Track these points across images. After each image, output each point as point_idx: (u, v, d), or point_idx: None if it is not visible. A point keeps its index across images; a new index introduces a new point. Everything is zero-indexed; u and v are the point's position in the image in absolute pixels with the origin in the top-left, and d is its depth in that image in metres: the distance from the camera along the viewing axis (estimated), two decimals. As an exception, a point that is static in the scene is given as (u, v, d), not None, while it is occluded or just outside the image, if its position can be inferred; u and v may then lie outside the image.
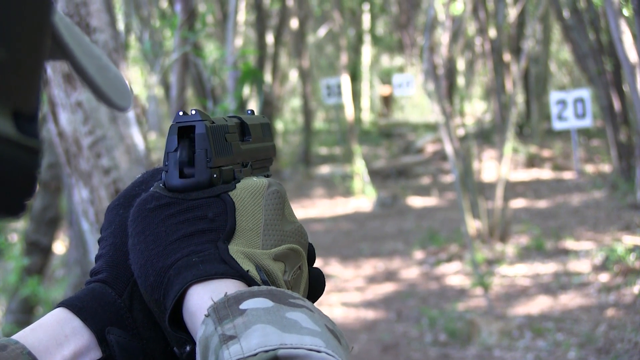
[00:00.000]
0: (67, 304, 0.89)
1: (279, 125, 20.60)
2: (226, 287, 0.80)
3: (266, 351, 0.68)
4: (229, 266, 0.83)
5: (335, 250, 10.14)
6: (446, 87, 10.65)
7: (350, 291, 8.37)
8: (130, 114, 3.06)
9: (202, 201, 0.87)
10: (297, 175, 17.25)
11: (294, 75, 22.98)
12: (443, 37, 9.82)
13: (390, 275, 8.92)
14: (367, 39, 22.16)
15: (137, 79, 18.57)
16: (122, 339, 0.88)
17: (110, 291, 0.90)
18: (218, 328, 0.72)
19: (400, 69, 24.62)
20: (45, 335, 0.85)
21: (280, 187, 0.94)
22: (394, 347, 6.60)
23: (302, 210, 13.58)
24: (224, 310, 0.74)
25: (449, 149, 8.68)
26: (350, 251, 10.20)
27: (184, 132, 0.89)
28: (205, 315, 0.75)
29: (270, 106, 17.49)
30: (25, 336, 0.85)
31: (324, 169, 17.60)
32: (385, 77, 25.01)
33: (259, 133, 1.02)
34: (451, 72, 16.00)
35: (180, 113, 0.90)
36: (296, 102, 25.61)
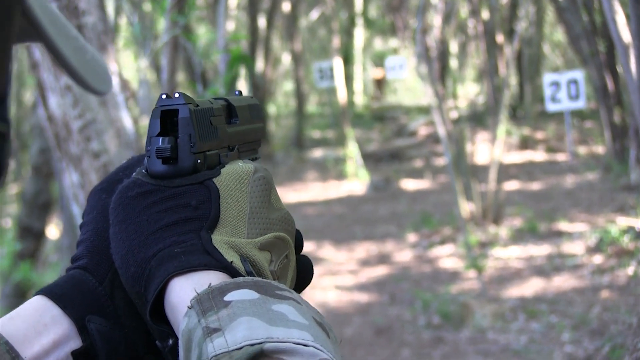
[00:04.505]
0: (46, 291, 0.85)
1: (272, 109, 20.55)
2: (209, 279, 0.77)
3: (252, 345, 0.65)
4: (212, 257, 0.80)
5: (328, 234, 10.13)
6: (439, 70, 10.61)
7: (343, 274, 8.37)
8: (120, 98, 3.03)
9: (185, 188, 0.84)
10: (289, 158, 17.21)
11: (286, 59, 22.90)
12: (436, 19, 9.77)
13: (383, 258, 8.92)
14: (359, 21, 22.07)
15: (129, 62, 18.46)
16: (103, 327, 0.84)
17: (91, 278, 0.87)
18: (202, 320, 0.70)
19: (393, 52, 24.55)
20: (24, 324, 0.82)
21: (267, 173, 0.90)
22: (388, 330, 6.60)
23: (295, 193, 13.56)
24: (208, 302, 0.71)
25: (441, 131, 8.66)
26: (343, 234, 10.19)
27: (167, 116, 0.86)
28: (188, 307, 0.72)
29: (262, 90, 17.43)
30: (2, 325, 0.81)
31: (317, 153, 17.57)
32: (378, 60, 24.97)
33: (246, 115, 0.99)
34: (444, 54, 15.96)
35: (164, 96, 0.86)
36: (289, 86, 25.55)
